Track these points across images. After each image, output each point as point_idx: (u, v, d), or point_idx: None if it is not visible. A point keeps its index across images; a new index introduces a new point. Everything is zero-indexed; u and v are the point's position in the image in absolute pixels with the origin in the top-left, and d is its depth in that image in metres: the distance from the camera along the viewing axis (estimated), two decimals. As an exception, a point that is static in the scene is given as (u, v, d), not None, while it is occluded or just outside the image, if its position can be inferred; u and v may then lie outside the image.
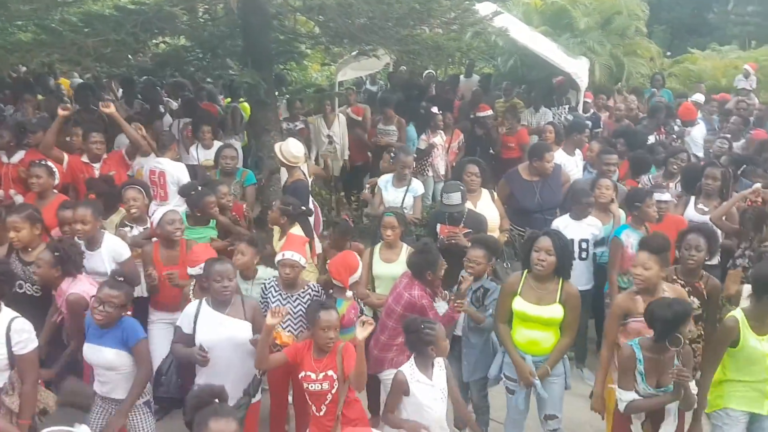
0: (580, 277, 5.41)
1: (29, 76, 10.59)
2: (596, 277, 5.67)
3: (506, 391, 4.43)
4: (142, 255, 4.83)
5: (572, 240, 5.11)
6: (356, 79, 12.32)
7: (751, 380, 3.92)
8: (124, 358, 3.80)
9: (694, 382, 3.81)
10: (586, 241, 5.58)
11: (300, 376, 3.77)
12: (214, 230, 5.47)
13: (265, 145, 7.40)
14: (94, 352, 3.80)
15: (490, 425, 4.82)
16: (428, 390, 3.69)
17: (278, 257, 4.46)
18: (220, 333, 3.89)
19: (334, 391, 3.72)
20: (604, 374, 4.16)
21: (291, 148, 6.10)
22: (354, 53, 9.11)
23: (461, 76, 12.61)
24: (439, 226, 5.45)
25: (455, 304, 4.31)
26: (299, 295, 4.43)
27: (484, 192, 5.91)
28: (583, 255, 5.58)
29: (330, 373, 3.72)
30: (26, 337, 3.60)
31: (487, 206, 5.82)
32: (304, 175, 6.22)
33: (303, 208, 5.45)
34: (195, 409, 2.79)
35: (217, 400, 2.84)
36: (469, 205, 5.58)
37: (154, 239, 4.92)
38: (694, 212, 5.84)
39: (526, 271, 4.28)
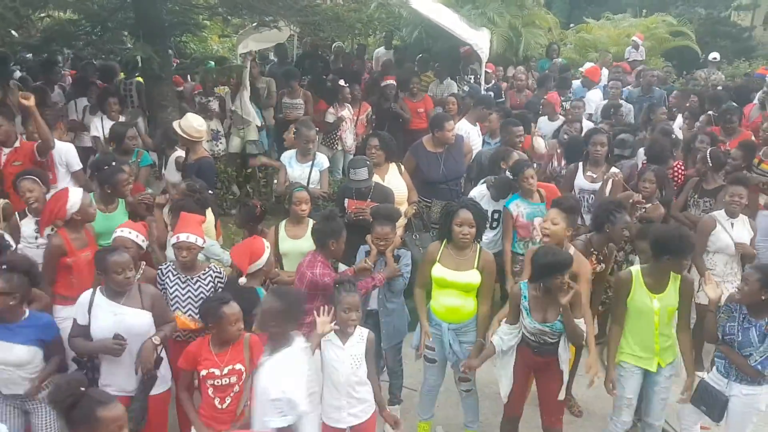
0: (490, 244, 5.61)
1: None
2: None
3: (425, 360, 4.54)
4: (53, 249, 4.43)
5: (486, 211, 5.25)
6: (261, 52, 11.98)
7: (640, 337, 4.18)
8: (36, 354, 3.64)
9: (582, 319, 4.06)
10: (498, 212, 5.74)
11: (201, 374, 3.65)
12: (126, 215, 5.13)
13: (163, 121, 7.10)
14: (1, 350, 3.57)
15: (403, 392, 4.92)
16: (337, 351, 3.79)
17: (173, 240, 4.27)
18: (117, 323, 3.70)
19: (240, 383, 3.63)
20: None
21: (192, 122, 5.85)
22: (254, 24, 8.82)
23: (381, 48, 12.52)
24: (347, 201, 5.43)
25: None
26: (199, 277, 4.25)
27: (392, 165, 5.93)
28: (494, 225, 5.76)
29: (238, 366, 3.63)
30: None
31: (394, 179, 5.85)
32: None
33: (210, 191, 5.25)
34: (70, 407, 2.54)
35: (82, 389, 2.59)
36: (377, 178, 5.59)
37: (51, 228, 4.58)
38: (584, 180, 6.10)
39: (444, 240, 4.39)
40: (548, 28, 13.92)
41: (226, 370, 3.62)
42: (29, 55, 10.23)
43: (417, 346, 4.53)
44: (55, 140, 5.77)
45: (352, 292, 3.84)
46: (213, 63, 10.17)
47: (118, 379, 3.79)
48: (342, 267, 4.75)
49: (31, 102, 5.46)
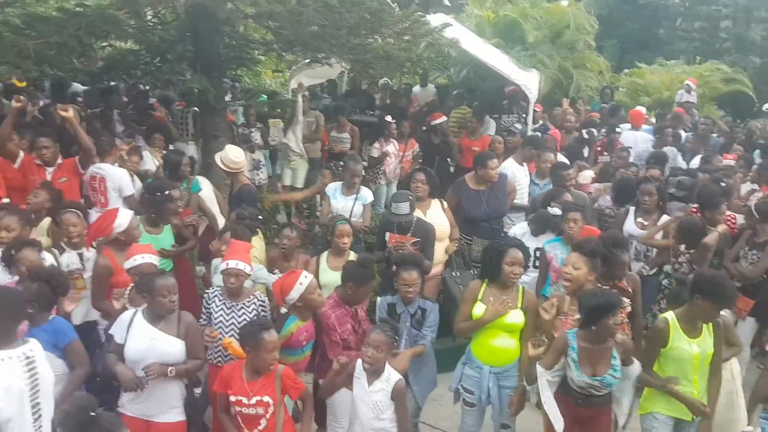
0: (533, 283, 5.49)
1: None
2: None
3: (463, 403, 4.42)
4: (101, 270, 4.58)
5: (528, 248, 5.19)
6: (311, 87, 12.28)
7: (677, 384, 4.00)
8: (53, 360, 3.63)
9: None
10: (541, 249, 5.64)
11: (231, 399, 3.65)
12: (172, 237, 5.33)
13: (214, 151, 7.28)
14: None
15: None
16: (362, 391, 3.74)
17: (222, 266, 4.36)
18: (150, 348, 3.75)
19: (268, 416, 3.62)
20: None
21: (230, 154, 6.08)
22: (307, 61, 9.06)
23: (417, 86, 12.70)
24: (388, 234, 5.44)
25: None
26: (244, 304, 4.32)
27: (435, 201, 5.93)
28: (537, 263, 5.63)
29: (266, 399, 3.61)
30: None
31: (437, 215, 5.84)
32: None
33: (260, 217, 5.38)
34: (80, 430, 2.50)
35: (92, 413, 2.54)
36: (419, 213, 5.59)
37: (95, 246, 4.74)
38: (633, 226, 5.97)
39: (486, 280, 4.31)
40: (599, 71, 13.87)
41: (254, 400, 3.61)
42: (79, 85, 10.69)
43: (456, 388, 4.43)
44: (109, 166, 6.02)
45: (378, 330, 3.76)
46: (265, 96, 10.46)
47: (136, 402, 3.82)
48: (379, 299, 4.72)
49: (70, 114, 5.73)
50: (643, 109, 11.05)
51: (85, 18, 6.49)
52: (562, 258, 5.34)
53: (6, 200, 5.42)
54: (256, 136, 8.75)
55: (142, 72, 9.16)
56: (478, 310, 4.25)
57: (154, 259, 4.34)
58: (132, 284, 4.30)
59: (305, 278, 4.16)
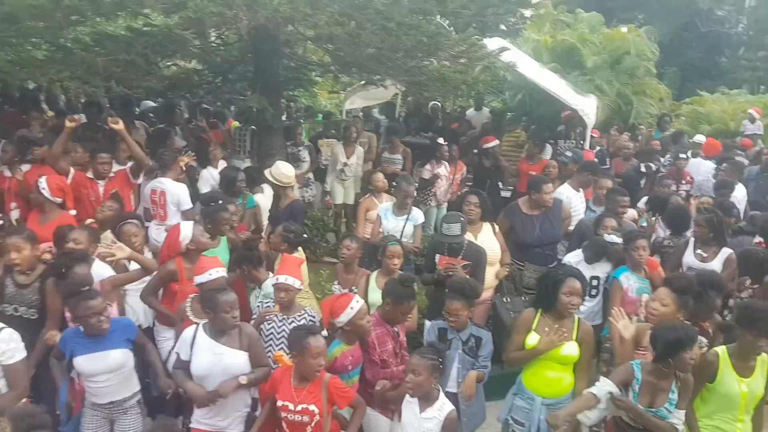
0: (590, 315, 5.36)
1: (40, 94, 10.71)
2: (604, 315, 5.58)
3: None
4: (165, 273, 4.74)
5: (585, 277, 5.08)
6: (365, 108, 12.44)
7: (721, 420, 3.84)
8: (128, 355, 3.88)
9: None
10: (597, 278, 5.51)
11: (277, 404, 3.66)
12: (228, 252, 5.43)
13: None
14: (97, 360, 3.79)
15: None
16: (412, 417, 3.66)
17: (273, 280, 4.41)
18: (215, 362, 3.80)
19: (314, 424, 3.60)
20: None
21: (282, 169, 6.19)
22: (362, 82, 9.18)
23: (471, 109, 12.67)
24: (438, 256, 5.39)
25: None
26: (295, 318, 4.35)
27: (486, 225, 5.86)
28: (593, 292, 5.51)
29: (312, 407, 3.60)
30: (14, 346, 3.57)
31: (488, 238, 5.76)
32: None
33: (305, 235, 5.44)
34: None
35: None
36: (469, 236, 5.53)
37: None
38: (693, 257, 5.75)
39: (540, 309, 4.21)
40: (659, 99, 13.57)
41: (299, 407, 3.60)
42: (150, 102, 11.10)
43: (505, 419, 4.33)
44: (169, 180, 6.19)
45: (419, 354, 3.68)
46: (321, 116, 10.63)
47: (208, 416, 3.87)
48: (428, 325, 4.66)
49: (120, 126, 5.93)
50: (702, 138, 10.74)
51: (152, 37, 6.76)
52: (637, 288, 5.20)
53: (73, 212, 5.64)
54: (305, 155, 8.87)
55: (204, 91, 9.45)
56: (532, 339, 4.14)
57: (223, 273, 4.39)
58: (192, 295, 4.40)
59: (356, 303, 4.09)
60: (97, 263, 4.57)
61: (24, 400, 3.68)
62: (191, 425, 3.89)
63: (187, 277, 4.64)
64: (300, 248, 5.40)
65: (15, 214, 5.84)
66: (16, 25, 7.29)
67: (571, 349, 4.09)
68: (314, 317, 4.43)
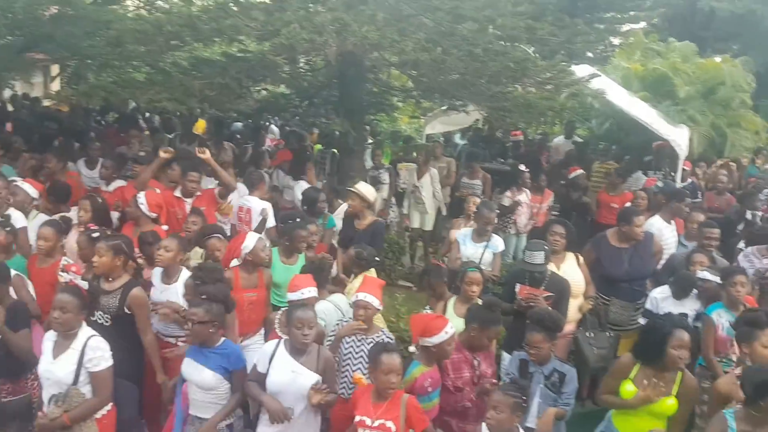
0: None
1: (138, 113, 11.37)
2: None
3: None
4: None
5: (669, 313, 4.87)
6: (445, 133, 12.43)
7: None
8: (222, 382, 3.85)
9: None
10: (686, 315, 5.22)
11: (355, 419, 3.66)
12: None
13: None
14: (194, 370, 3.85)
15: None
16: None
17: (353, 298, 4.41)
18: (290, 380, 3.80)
19: None
20: None
21: (364, 188, 6.24)
22: (444, 107, 9.20)
23: (559, 137, 12.42)
24: (518, 286, 5.24)
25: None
26: (373, 338, 4.30)
27: (570, 255, 5.67)
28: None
29: (389, 424, 3.58)
30: (100, 354, 3.71)
31: (571, 270, 5.56)
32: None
33: (377, 258, 5.43)
34: None
35: None
36: (552, 267, 5.37)
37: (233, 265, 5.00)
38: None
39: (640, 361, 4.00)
40: (755, 132, 12.87)
41: (376, 423, 3.59)
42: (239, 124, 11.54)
43: None
44: (256, 198, 6.37)
45: (502, 390, 3.55)
46: (402, 141, 10.72)
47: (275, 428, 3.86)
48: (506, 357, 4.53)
49: (206, 155, 6.23)
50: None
51: (245, 62, 7.05)
52: (728, 327, 4.89)
53: (165, 227, 5.88)
54: (385, 177, 8.93)
55: (290, 114, 9.76)
56: (628, 390, 3.94)
57: (315, 293, 4.41)
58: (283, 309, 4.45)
59: (450, 329, 4.07)
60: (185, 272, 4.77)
61: (109, 406, 3.81)
62: None
63: (242, 287, 4.78)
64: (373, 271, 5.39)
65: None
66: (119, 49, 7.81)
67: (668, 406, 3.85)
68: (392, 338, 4.41)
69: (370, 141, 9.79)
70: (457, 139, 12.79)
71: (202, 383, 3.83)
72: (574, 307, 5.44)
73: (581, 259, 5.72)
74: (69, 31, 7.73)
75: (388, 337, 4.37)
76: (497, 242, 6.13)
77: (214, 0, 9.10)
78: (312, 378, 3.80)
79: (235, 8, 7.19)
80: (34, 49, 9.00)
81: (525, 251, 5.37)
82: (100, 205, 5.57)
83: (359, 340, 4.31)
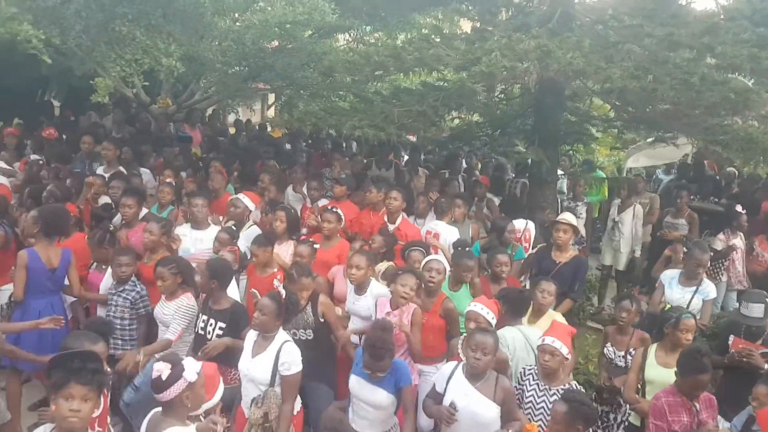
0: None
1: (339, 140, 12.12)
2: None
3: None
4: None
5: None
6: (648, 167, 11.63)
7: None
8: (392, 400, 3.92)
9: None
10: None
11: None
12: (469, 298, 5.39)
13: (537, 221, 7.31)
14: (364, 388, 3.93)
15: None
16: None
17: (539, 341, 4.19)
18: (465, 405, 3.75)
19: None
20: None
21: (567, 216, 6.06)
22: (650, 140, 8.61)
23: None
24: (732, 338, 4.71)
25: None
26: (558, 390, 4.02)
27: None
28: None
29: None
30: (292, 359, 3.94)
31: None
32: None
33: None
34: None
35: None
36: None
37: None
38: None
39: None
40: None
41: None
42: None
43: None
44: (443, 224, 6.50)
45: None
46: (601, 173, 10.22)
47: None
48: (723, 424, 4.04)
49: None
50: None
51: (443, 91, 7.20)
52: None
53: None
54: (582, 211, 8.53)
55: (481, 143, 9.79)
56: None
57: (491, 318, 4.35)
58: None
59: None
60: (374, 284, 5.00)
61: (299, 406, 4.05)
62: None
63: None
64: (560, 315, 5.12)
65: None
66: (329, 79, 8.43)
67: None
68: (580, 389, 4.09)
69: (561, 173, 9.44)
70: (660, 174, 11.89)
71: (374, 402, 3.89)
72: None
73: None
74: (287, 62, 8.45)
75: (574, 387, 4.07)
76: (709, 288, 5.53)
77: (417, 33, 9.53)
78: (488, 406, 3.71)
79: (437, 39, 7.44)
80: (256, 79, 9.97)
81: (741, 301, 4.82)
82: (294, 216, 6.01)
83: (541, 390, 4.09)
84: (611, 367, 4.99)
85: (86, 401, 2.55)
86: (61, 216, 5.24)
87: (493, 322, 4.32)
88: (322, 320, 4.73)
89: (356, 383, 3.97)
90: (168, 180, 7.15)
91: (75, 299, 5.34)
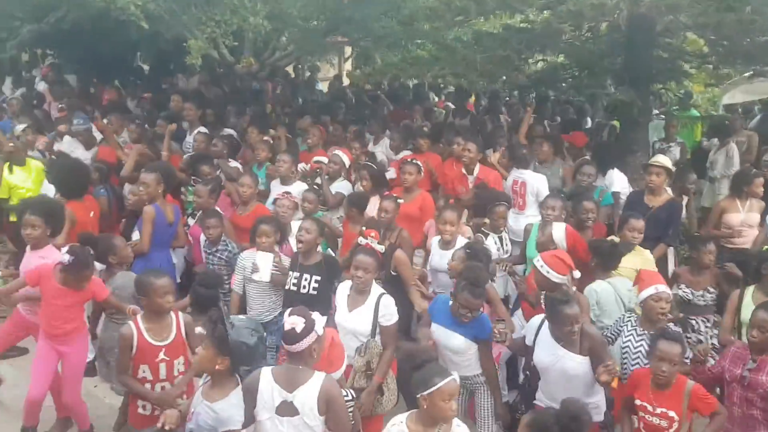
0: None
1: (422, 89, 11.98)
2: None
3: None
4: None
5: None
6: (745, 104, 10.92)
7: None
8: (469, 345, 4.03)
9: None
10: None
11: (636, 402, 3.60)
12: None
13: (629, 165, 7.09)
14: (443, 334, 4.06)
15: None
16: None
17: (652, 290, 4.04)
18: (554, 362, 3.79)
19: (672, 430, 3.49)
20: None
21: (661, 158, 5.88)
22: (748, 74, 8.10)
23: None
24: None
25: None
26: (651, 335, 3.96)
27: None
28: None
29: (671, 413, 3.48)
30: (391, 311, 4.11)
31: None
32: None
33: None
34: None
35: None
36: None
37: None
38: None
39: None
40: None
41: (658, 410, 3.52)
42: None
43: None
44: (530, 172, 6.37)
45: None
46: (695, 111, 9.73)
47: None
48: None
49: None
50: None
51: (527, 33, 7.03)
52: None
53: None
54: (676, 152, 8.19)
55: (567, 85, 9.48)
56: None
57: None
58: None
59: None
60: None
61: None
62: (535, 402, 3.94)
63: None
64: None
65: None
66: (409, 27, 8.36)
67: None
68: (678, 330, 4.07)
69: (655, 112, 9.06)
70: (758, 110, 11.15)
71: (451, 347, 4.01)
72: None
73: None
74: (366, 13, 8.41)
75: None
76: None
77: (499, -26, 9.23)
78: (578, 360, 3.70)
79: (521, -20, 7.20)
80: (335, 33, 9.99)
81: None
82: (377, 172, 6.11)
83: (639, 336, 4.08)
84: (688, 306, 4.91)
85: None
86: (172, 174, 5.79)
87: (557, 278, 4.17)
88: (393, 273, 4.84)
89: (436, 329, 4.09)
90: (265, 138, 7.34)
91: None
